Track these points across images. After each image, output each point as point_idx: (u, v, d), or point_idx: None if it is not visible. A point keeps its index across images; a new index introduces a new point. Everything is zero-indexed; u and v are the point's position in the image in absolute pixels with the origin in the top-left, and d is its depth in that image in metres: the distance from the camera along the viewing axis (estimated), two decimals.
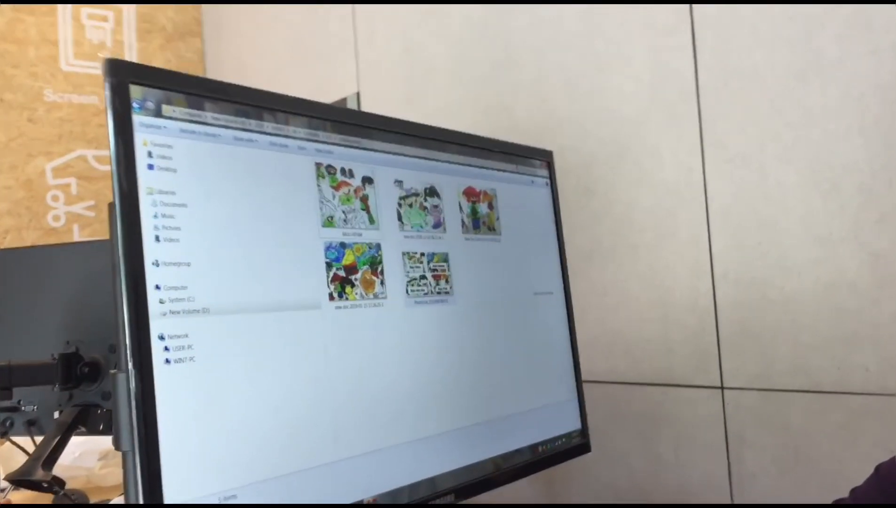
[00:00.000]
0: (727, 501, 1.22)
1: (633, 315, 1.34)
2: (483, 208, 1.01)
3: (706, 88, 1.23)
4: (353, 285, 0.81)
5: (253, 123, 0.74)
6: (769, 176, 1.17)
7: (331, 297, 0.78)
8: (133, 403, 0.61)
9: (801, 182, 1.13)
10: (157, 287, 0.64)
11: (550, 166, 1.15)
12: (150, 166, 0.65)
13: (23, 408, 1.36)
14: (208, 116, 0.71)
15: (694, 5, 1.23)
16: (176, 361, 0.64)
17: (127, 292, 0.62)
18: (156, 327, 0.63)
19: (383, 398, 0.82)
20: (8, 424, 1.40)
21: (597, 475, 1.38)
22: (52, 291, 1.44)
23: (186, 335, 0.65)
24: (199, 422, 0.65)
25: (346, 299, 0.80)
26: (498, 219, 1.03)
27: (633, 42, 1.32)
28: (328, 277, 0.79)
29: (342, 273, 0.80)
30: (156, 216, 0.65)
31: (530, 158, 1.11)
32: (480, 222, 1.00)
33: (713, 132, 1.22)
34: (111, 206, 0.63)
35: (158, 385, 0.62)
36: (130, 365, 0.61)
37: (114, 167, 0.62)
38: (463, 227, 0.97)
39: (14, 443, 1.36)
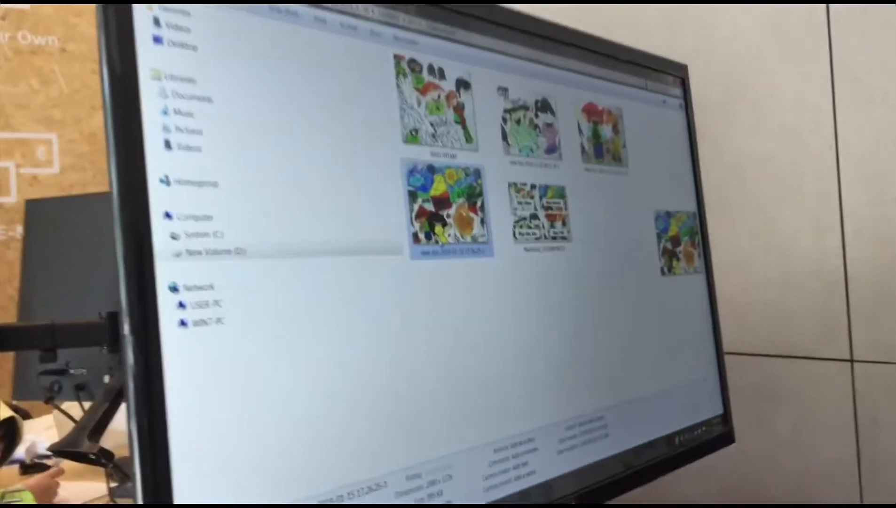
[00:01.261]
0: (855, 491, 1.08)
1: (746, 278, 1.18)
2: (607, 131, 0.78)
3: (838, 16, 1.06)
4: (444, 224, 0.60)
5: None
6: None
7: (415, 239, 0.57)
8: (131, 382, 0.41)
9: None
10: (168, 215, 0.44)
11: (685, 84, 0.92)
12: (158, 39, 0.44)
13: (71, 371, 1.27)
14: None
15: None
16: (196, 323, 0.44)
17: (122, 222, 0.42)
18: (165, 273, 0.43)
19: (483, 379, 0.61)
20: (56, 388, 1.31)
21: None
22: (106, 243, 1.30)
23: (212, 287, 0.45)
24: (229, 412, 0.45)
25: (437, 242, 0.59)
26: (624, 146, 0.81)
27: None
28: (412, 211, 0.57)
29: (430, 207, 0.59)
30: (165, 112, 0.44)
31: (662, 73, 0.88)
32: (604, 148, 0.78)
33: (847, 67, 1.05)
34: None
35: (169, 358, 0.42)
36: (127, 329, 0.41)
37: (101, 38, 0.42)
38: (583, 154, 0.75)
39: (61, 410, 1.26)
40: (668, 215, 0.86)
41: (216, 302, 0.45)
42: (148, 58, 0.44)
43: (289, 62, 0.51)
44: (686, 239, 0.88)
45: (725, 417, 0.89)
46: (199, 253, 0.45)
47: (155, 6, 0.44)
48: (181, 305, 0.44)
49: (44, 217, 1.47)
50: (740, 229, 1.18)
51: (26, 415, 1.75)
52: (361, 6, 0.56)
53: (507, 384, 0.62)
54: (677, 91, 0.91)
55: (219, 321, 0.45)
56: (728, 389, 0.92)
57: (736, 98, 1.17)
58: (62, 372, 1.28)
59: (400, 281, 0.56)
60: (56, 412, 1.36)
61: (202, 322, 0.44)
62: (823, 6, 1.07)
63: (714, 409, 0.88)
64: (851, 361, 1.08)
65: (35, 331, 0.97)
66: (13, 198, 2.32)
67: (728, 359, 1.20)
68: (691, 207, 0.90)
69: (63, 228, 1.42)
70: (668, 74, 0.89)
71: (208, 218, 0.45)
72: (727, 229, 1.20)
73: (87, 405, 1.11)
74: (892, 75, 1.01)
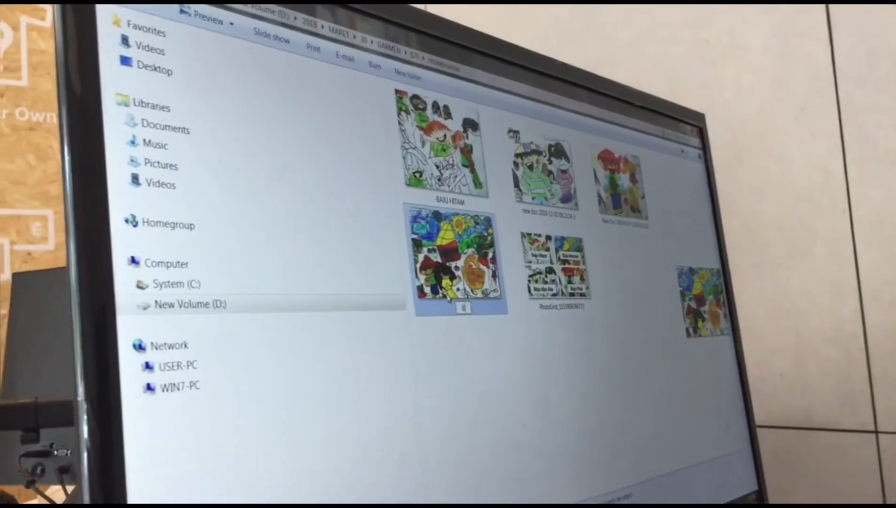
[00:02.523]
0: None
1: (758, 347, 1.13)
2: (624, 180, 0.73)
3: (846, 75, 1.04)
4: (452, 277, 0.53)
5: (300, 19, 0.48)
6: None
7: (420, 292, 0.51)
8: (85, 459, 0.34)
9: None
10: (134, 261, 0.37)
11: (703, 134, 0.87)
12: (126, 60, 0.39)
13: (56, 452, 1.21)
14: None
15: None
16: (165, 388, 0.37)
17: (77, 268, 0.36)
18: (129, 328, 0.36)
19: (495, 452, 0.53)
20: (39, 471, 1.24)
21: None
22: None
23: (185, 345, 0.38)
24: (202, 495, 0.38)
25: (444, 296, 0.52)
26: (643, 197, 0.75)
27: (751, 27, 1.13)
28: (416, 262, 0.51)
29: (437, 257, 0.53)
30: (133, 143, 0.38)
31: (679, 121, 0.83)
32: (622, 198, 0.72)
33: (856, 127, 1.03)
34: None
35: (131, 428, 0.36)
36: (81, 394, 0.35)
37: (58, 56, 0.36)
38: (600, 204, 0.69)
39: (44, 495, 1.18)
40: (692, 271, 0.79)
41: (190, 363, 0.38)
42: (113, 80, 0.38)
43: (278, 93, 0.46)
44: (711, 298, 0.82)
45: (761, 493, 0.81)
46: (171, 306, 0.38)
47: (123, 21, 0.39)
48: (148, 366, 0.37)
49: (30, 290, 1.41)
50: (750, 296, 1.13)
51: (12, 501, 1.66)
52: (358, 34, 0.51)
53: (524, 457, 0.55)
54: (695, 141, 0.86)
55: (193, 385, 0.38)
56: (762, 462, 0.85)
57: (743, 160, 1.14)
58: (46, 454, 1.22)
59: (403, 340, 0.49)
60: (40, 497, 1.28)
61: (173, 387, 0.38)
62: (829, 65, 1.04)
63: (748, 485, 0.80)
64: (876, 432, 1.02)
65: (17, 410, 0.91)
66: (7, 275, 2.26)
67: None
68: (715, 263, 0.84)
69: (50, 301, 1.36)
70: (686, 123, 0.85)
71: (182, 265, 0.39)
72: (738, 295, 1.12)
73: (71, 488, 1.06)
74: None
